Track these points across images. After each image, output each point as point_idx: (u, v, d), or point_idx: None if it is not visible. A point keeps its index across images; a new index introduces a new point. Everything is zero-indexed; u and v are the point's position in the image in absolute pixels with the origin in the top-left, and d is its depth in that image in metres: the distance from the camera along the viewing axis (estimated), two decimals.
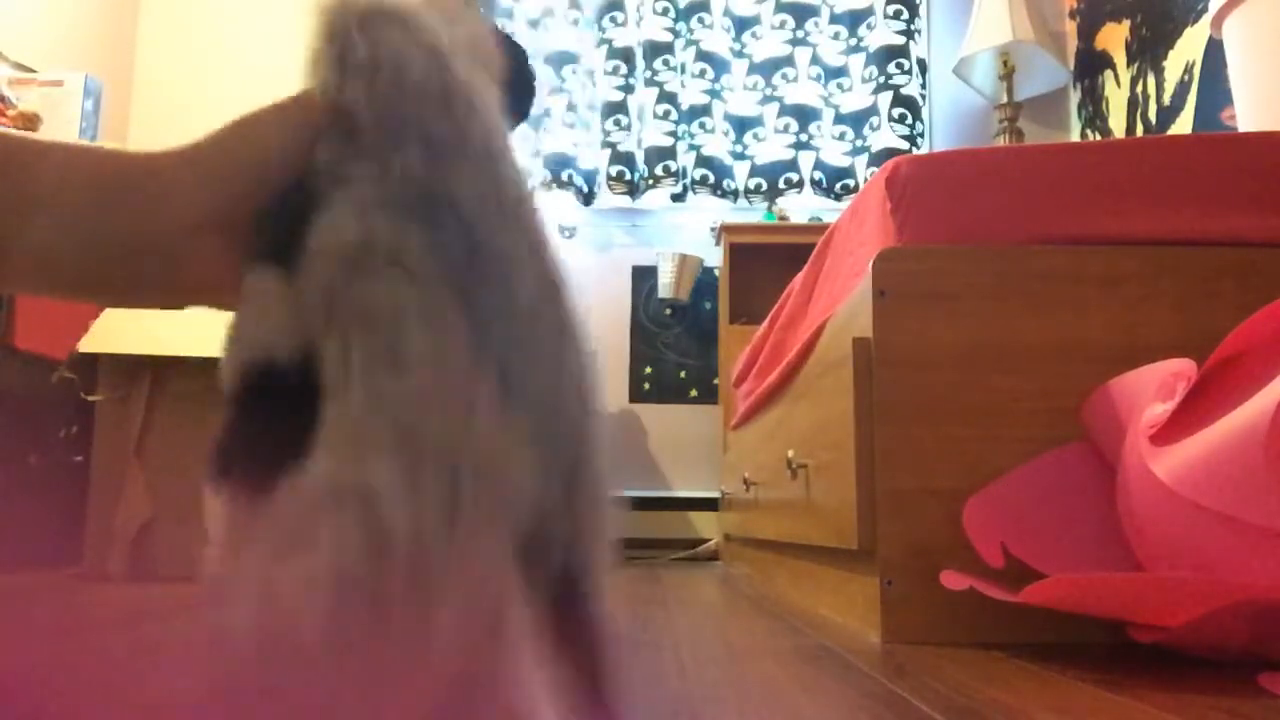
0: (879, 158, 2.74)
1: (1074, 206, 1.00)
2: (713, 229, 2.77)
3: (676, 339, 2.85)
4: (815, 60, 2.87)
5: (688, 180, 2.82)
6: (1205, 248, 0.98)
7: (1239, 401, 0.71)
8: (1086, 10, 2.66)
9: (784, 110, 2.84)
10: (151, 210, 0.38)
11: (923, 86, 2.83)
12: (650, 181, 2.79)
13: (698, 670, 0.73)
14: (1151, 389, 0.81)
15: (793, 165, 2.81)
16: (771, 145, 2.84)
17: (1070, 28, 2.78)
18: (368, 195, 0.34)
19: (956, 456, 0.93)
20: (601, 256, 2.89)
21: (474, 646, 0.31)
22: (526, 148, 2.78)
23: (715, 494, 2.69)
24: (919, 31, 2.85)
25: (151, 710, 0.58)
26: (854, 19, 2.89)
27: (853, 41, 2.89)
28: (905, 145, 2.74)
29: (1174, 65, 2.15)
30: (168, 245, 0.38)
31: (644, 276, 2.87)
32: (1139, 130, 2.32)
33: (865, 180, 2.76)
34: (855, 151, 2.83)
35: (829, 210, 2.82)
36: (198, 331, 1.59)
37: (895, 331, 0.96)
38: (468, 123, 0.36)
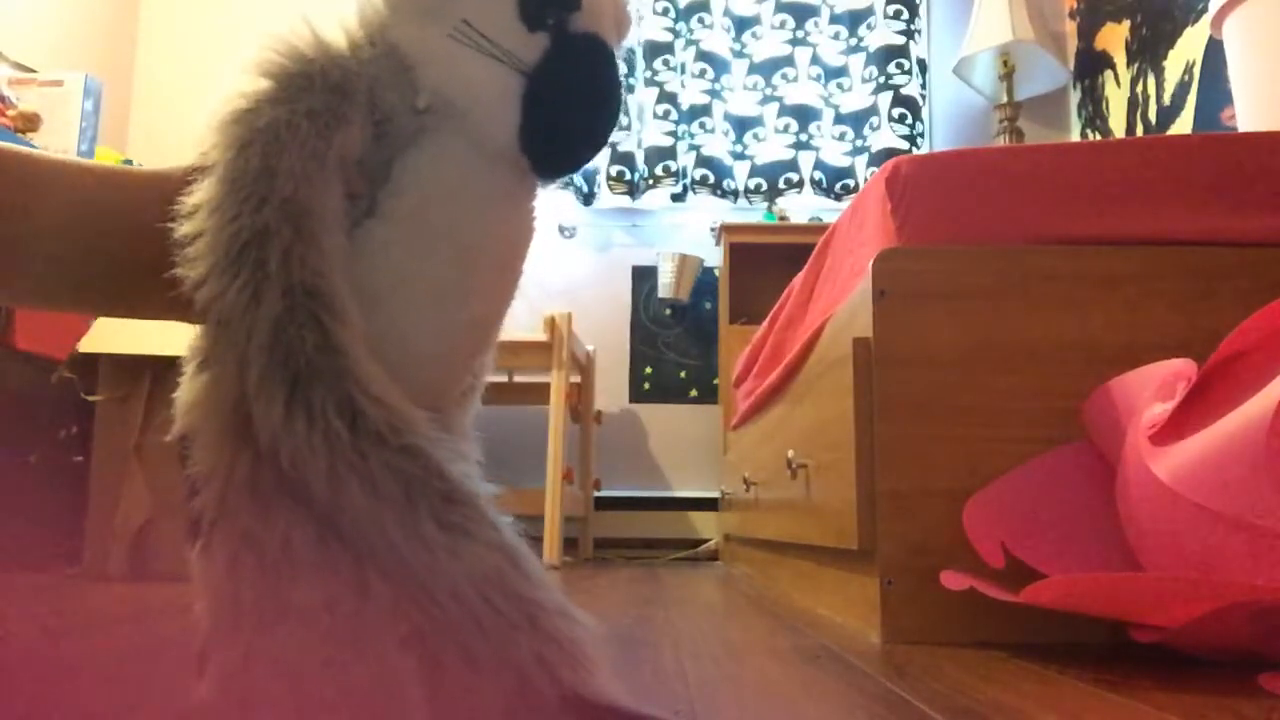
0: (879, 158, 2.74)
1: (1074, 206, 1.00)
2: (713, 229, 2.77)
3: (676, 339, 2.85)
4: (815, 60, 2.87)
5: (688, 180, 2.82)
6: (1205, 248, 0.97)
7: (1239, 401, 0.70)
8: (1086, 10, 2.66)
9: (784, 110, 2.84)
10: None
11: (923, 86, 2.83)
12: (650, 181, 2.79)
13: (697, 670, 0.73)
14: (1151, 389, 0.81)
15: (793, 165, 2.81)
16: (771, 145, 2.84)
17: (1070, 28, 2.78)
18: None
19: (956, 456, 0.93)
20: (601, 256, 2.89)
21: None
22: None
23: (715, 494, 2.69)
24: (919, 31, 2.85)
25: (152, 709, 0.58)
26: (854, 19, 2.89)
27: (853, 41, 2.89)
28: (905, 145, 2.74)
29: (1174, 65, 2.15)
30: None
31: (644, 276, 2.87)
32: (1139, 130, 2.32)
33: (865, 180, 2.76)
34: (855, 151, 2.83)
35: (829, 210, 2.82)
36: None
37: (895, 331, 0.96)
38: None
